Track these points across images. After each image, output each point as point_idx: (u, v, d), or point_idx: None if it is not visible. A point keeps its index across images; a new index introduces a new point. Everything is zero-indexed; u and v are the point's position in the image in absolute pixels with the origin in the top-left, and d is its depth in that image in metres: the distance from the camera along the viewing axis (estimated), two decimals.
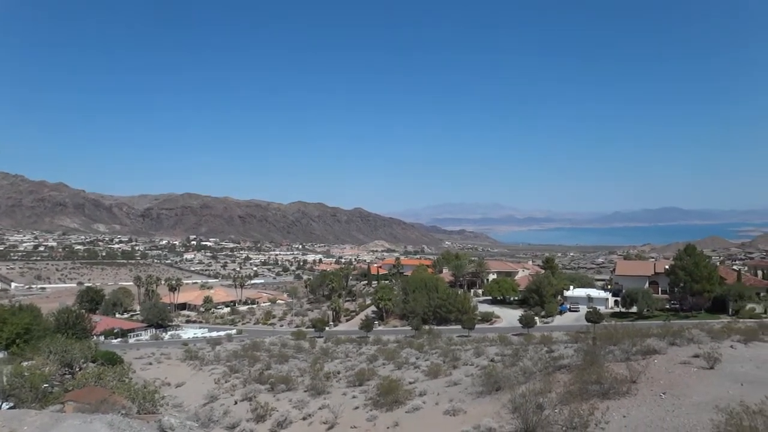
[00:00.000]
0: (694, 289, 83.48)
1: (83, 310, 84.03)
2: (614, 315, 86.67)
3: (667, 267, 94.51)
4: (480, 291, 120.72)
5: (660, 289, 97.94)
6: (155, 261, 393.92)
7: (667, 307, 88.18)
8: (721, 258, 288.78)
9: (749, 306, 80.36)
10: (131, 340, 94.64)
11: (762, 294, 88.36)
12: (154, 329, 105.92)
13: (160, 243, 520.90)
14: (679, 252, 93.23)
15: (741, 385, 22.34)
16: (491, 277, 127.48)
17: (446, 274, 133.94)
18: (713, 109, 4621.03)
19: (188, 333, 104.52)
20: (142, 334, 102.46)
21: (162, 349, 75.34)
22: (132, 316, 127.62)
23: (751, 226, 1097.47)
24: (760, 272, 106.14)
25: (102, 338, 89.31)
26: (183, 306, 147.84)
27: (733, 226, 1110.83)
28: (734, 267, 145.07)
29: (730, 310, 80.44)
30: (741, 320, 66.77)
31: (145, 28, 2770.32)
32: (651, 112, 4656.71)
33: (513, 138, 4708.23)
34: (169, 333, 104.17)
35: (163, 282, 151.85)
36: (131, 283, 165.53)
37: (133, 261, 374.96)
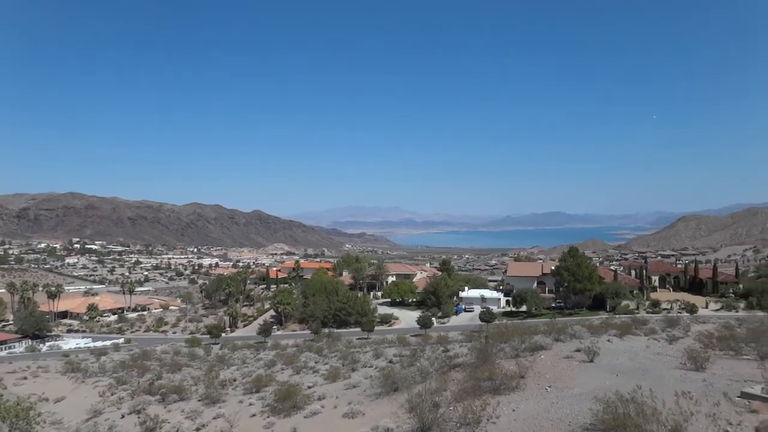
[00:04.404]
0: (576, 288, 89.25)
1: None
2: (506, 314, 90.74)
3: (553, 268, 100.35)
4: (380, 293, 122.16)
5: (547, 288, 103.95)
6: (32, 266, 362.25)
7: (553, 305, 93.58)
8: (601, 259, 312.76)
9: (624, 302, 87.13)
10: (3, 353, 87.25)
11: (635, 291, 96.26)
12: (30, 340, 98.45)
13: (39, 246, 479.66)
14: (564, 254, 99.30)
15: (616, 375, 24.15)
16: (390, 279, 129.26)
17: (346, 277, 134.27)
18: (592, 125, 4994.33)
19: (70, 343, 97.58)
20: (15, 346, 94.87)
21: (39, 361, 69.59)
22: (4, 326, 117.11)
23: (626, 229, 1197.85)
24: (633, 272, 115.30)
25: None
26: (64, 314, 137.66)
27: (611, 229, 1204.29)
28: (611, 267, 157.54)
29: (608, 306, 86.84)
30: (617, 316, 72.36)
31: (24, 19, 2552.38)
32: (536, 125, 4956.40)
33: (413, 144, 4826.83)
34: (48, 344, 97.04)
35: (41, 288, 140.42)
36: (3, 291, 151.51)
37: (5, 266, 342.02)
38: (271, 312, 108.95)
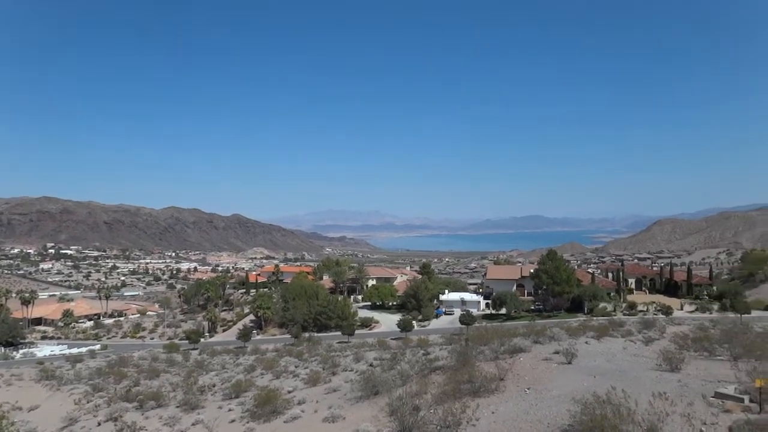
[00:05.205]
0: (555, 291, 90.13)
1: None
2: (485, 317, 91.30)
3: (532, 271, 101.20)
4: (360, 297, 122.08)
5: (526, 291, 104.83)
6: (5, 272, 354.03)
7: (532, 308, 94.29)
8: (579, 262, 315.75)
9: (602, 305, 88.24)
10: None
11: (612, 294, 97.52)
12: (2, 348, 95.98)
13: (12, 252, 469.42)
14: (543, 257, 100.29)
15: (594, 377, 24.45)
16: (371, 282, 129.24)
17: (327, 280, 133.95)
18: (572, 129, 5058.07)
19: (44, 350, 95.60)
20: None
21: (12, 369, 68.00)
22: None
23: (604, 233, 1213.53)
24: (610, 274, 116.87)
25: None
26: (38, 321, 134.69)
27: (588, 233, 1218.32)
28: (589, 270, 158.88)
29: (586, 309, 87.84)
30: (595, 318, 73.25)
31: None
32: (517, 129, 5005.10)
33: (393, 148, 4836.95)
34: (22, 351, 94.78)
35: (14, 295, 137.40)
36: None
37: None
38: (251, 316, 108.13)
